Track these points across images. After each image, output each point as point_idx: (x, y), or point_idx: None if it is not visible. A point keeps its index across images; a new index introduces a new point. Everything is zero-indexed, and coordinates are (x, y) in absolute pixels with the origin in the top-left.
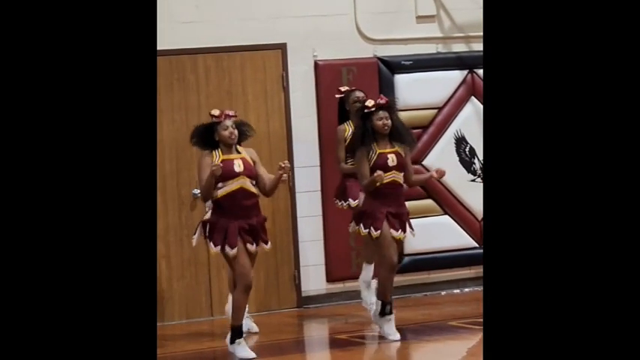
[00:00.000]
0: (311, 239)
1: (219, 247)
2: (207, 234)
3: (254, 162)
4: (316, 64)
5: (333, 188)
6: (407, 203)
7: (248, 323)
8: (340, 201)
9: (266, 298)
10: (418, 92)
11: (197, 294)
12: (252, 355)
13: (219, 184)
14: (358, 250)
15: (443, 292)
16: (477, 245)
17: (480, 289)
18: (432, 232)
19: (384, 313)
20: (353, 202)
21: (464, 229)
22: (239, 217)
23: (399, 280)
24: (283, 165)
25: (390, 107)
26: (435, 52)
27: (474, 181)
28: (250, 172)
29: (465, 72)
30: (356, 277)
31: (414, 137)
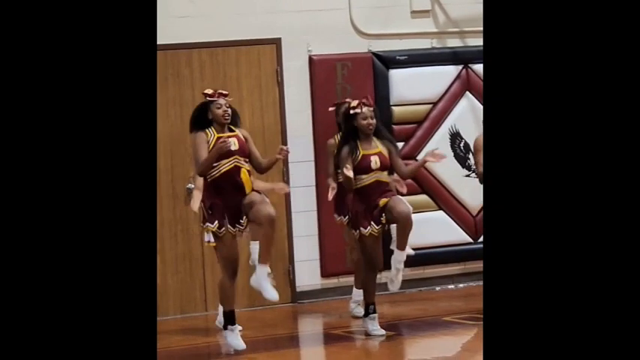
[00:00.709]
0: (305, 234)
1: (216, 224)
2: (206, 214)
3: (246, 139)
4: (311, 59)
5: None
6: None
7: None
8: (340, 216)
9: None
10: (413, 87)
11: (191, 289)
12: (243, 346)
13: (214, 164)
14: (352, 246)
15: (437, 288)
16: (471, 241)
17: (475, 284)
18: (427, 228)
19: (367, 313)
20: None
21: (458, 225)
22: (234, 196)
23: None
24: (284, 148)
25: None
26: (429, 47)
27: (468, 176)
28: (244, 152)
29: (460, 67)
30: (350, 273)
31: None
